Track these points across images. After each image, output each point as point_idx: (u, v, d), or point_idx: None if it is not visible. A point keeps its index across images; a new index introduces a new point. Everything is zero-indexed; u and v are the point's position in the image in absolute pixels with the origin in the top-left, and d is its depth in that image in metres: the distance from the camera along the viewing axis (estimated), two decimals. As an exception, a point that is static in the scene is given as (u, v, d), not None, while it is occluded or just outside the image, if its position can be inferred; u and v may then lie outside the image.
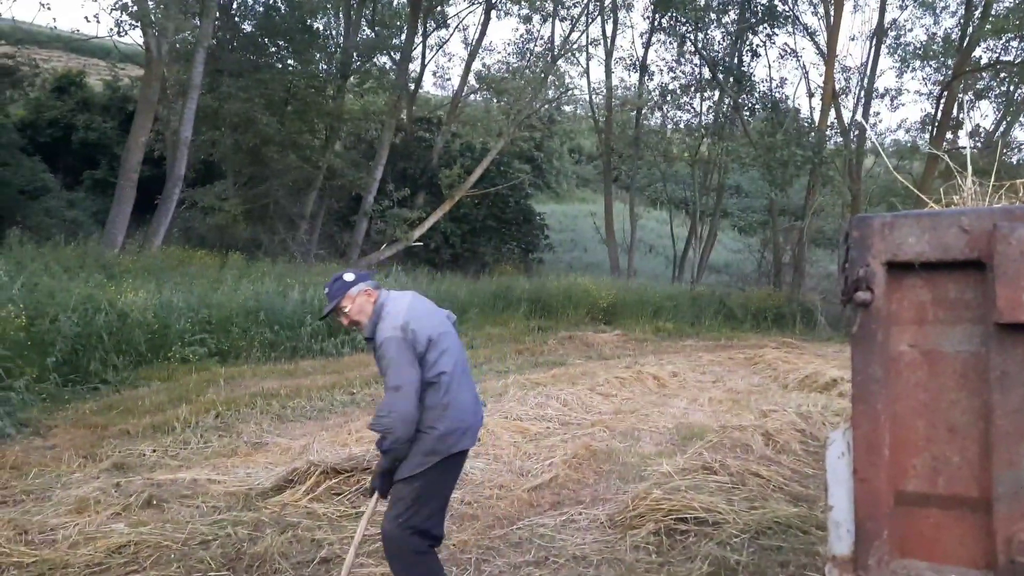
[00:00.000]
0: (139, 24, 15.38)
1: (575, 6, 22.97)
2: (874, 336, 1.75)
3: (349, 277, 3.41)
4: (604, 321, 16.25)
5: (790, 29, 22.81)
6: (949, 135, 21.05)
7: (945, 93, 20.55)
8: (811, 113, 23.11)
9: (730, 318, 18.07)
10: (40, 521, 4.43)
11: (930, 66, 21.89)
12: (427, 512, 3.23)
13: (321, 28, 22.30)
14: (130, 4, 16.12)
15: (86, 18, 59.03)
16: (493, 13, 22.46)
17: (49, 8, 54.44)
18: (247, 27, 20.77)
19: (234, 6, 20.58)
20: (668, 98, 24.48)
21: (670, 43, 24.31)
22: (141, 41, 15.99)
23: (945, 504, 1.74)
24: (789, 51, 23.46)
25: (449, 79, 32.10)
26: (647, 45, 24.52)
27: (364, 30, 21.96)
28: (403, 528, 3.20)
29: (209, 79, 17.60)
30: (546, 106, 22.46)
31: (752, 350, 13.28)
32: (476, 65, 23.15)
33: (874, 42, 21.91)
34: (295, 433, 6.94)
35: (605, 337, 14.27)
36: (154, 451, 6.01)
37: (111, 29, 17.40)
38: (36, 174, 18.75)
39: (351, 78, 21.64)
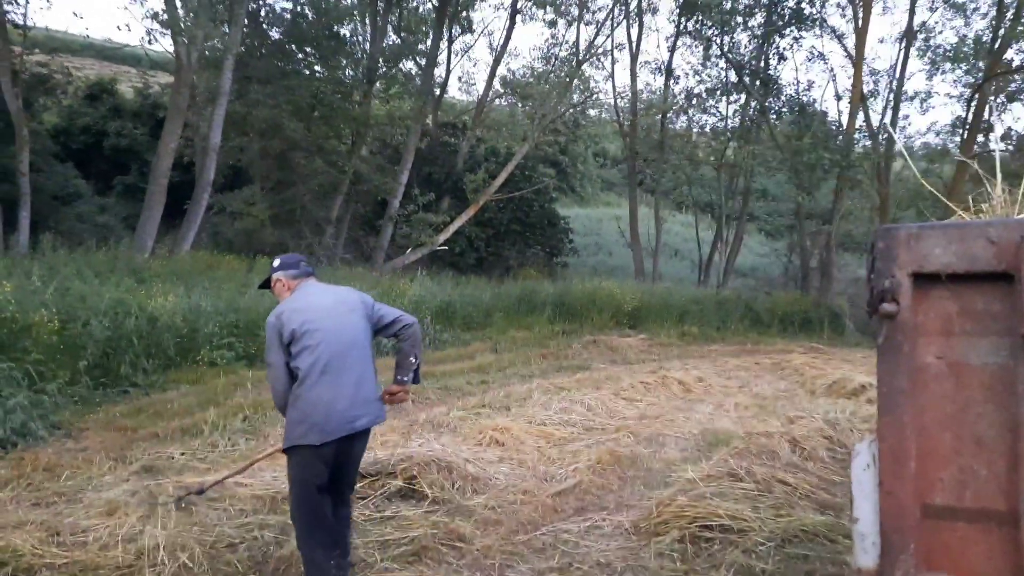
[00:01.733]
0: (169, 32, 15.60)
1: (600, 11, 22.99)
2: (900, 347, 1.74)
3: (275, 263, 3.84)
4: (629, 325, 16.18)
5: (817, 32, 22.62)
6: (980, 138, 20.74)
7: (976, 96, 20.26)
8: (839, 116, 22.94)
9: (756, 323, 17.93)
10: (72, 523, 4.51)
11: (961, 68, 21.57)
12: (315, 497, 3.52)
13: (348, 35, 22.47)
14: (161, 13, 16.41)
15: (118, 27, 59.65)
16: (518, 18, 22.52)
17: (82, 17, 55.43)
18: (275, 34, 20.99)
19: (262, 14, 20.79)
20: (694, 102, 24.38)
21: (696, 47, 24.25)
22: (171, 49, 16.22)
23: (972, 517, 1.73)
24: (816, 54, 23.44)
25: (474, 84, 32.34)
26: (672, 49, 24.46)
27: (390, 36, 22.10)
28: (294, 498, 3.55)
29: (237, 86, 17.81)
30: (571, 110, 22.43)
31: (779, 355, 13.18)
32: (501, 70, 23.27)
33: (903, 44, 21.68)
34: (321, 437, 6.99)
35: (630, 341, 14.22)
36: (183, 454, 6.08)
37: (142, 37, 17.81)
38: (69, 180, 19.08)
39: (377, 84, 21.79)
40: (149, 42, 17.16)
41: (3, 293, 7.45)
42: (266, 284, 3.93)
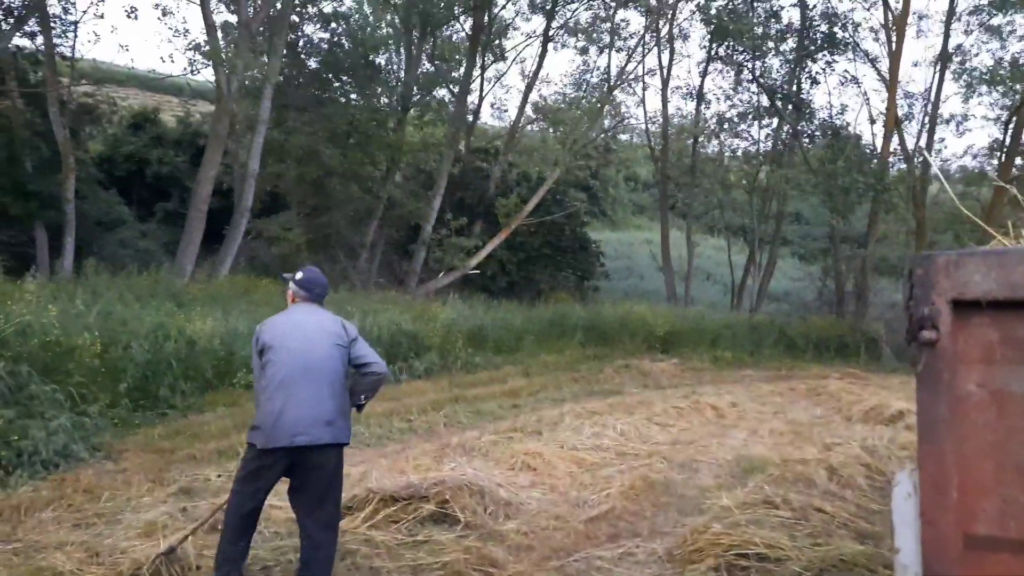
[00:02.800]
0: (211, 63, 16.01)
1: (632, 37, 23.13)
2: (940, 375, 1.73)
3: (298, 276, 4.23)
4: (661, 350, 16.07)
5: (850, 56, 22.50)
6: (1018, 161, 20.41)
7: (1013, 118, 19.97)
8: (873, 140, 22.72)
9: (791, 348, 17.70)
10: (111, 544, 4.57)
11: (997, 91, 21.30)
12: (250, 489, 3.81)
13: (383, 63, 22.89)
14: (203, 44, 16.87)
15: (162, 58, 61.80)
16: (550, 45, 22.77)
17: (128, 49, 57.16)
18: (312, 64, 21.44)
19: (300, 44, 21.27)
20: (725, 126, 24.34)
21: (727, 72, 24.26)
22: (213, 79, 16.64)
23: (1016, 548, 1.70)
24: (850, 78, 23.14)
25: (506, 110, 32.49)
26: (704, 74, 24.49)
27: (424, 64, 22.43)
28: (231, 507, 3.85)
29: (276, 114, 18.19)
30: (602, 135, 22.53)
31: (814, 381, 12.99)
32: (533, 96, 23.52)
33: (938, 67, 21.48)
34: (354, 460, 7.02)
35: (662, 366, 14.12)
36: (219, 476, 6.14)
37: (185, 68, 18.19)
38: (112, 206, 19.55)
39: (411, 111, 22.10)
40: (191, 73, 17.68)
41: (48, 317, 7.61)
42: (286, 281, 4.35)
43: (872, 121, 23.04)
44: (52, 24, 16.42)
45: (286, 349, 3.82)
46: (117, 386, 7.88)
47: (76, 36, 16.84)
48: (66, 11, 17.05)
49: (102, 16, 31.36)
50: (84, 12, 26.86)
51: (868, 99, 26.36)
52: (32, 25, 16.42)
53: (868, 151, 21.68)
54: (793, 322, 19.68)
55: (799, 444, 7.84)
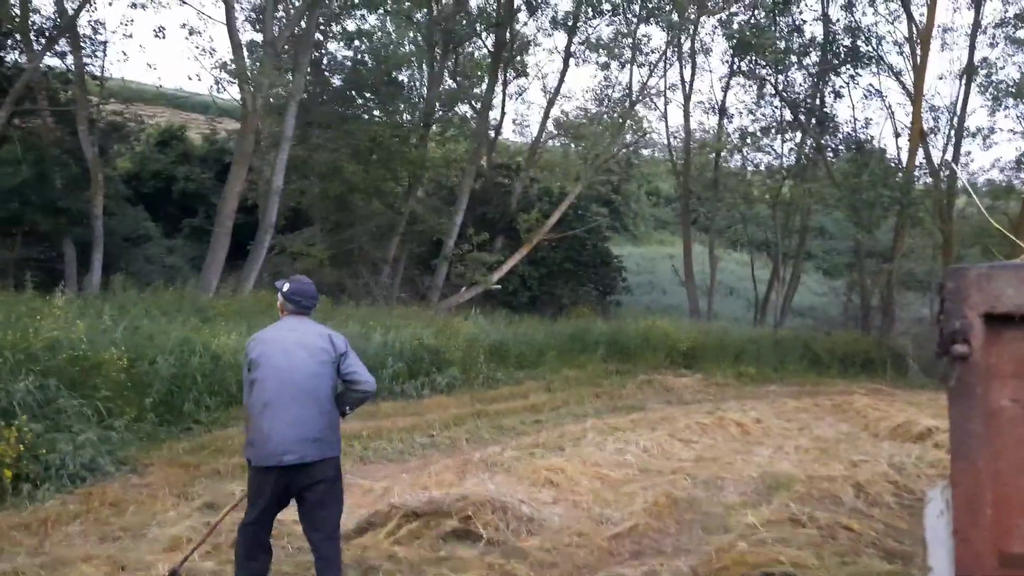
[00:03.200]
0: (236, 81, 16.23)
1: (653, 52, 23.13)
2: (973, 390, 1.70)
3: (286, 287, 4.15)
4: (684, 365, 15.97)
5: (874, 69, 22.35)
6: (1047, 174, 20.15)
7: (1042, 131, 19.73)
8: (898, 153, 22.52)
9: (816, 363, 17.52)
10: (136, 558, 4.61)
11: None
12: (252, 513, 3.87)
13: (405, 80, 23.09)
14: (229, 63, 17.12)
15: (188, 77, 62.97)
16: (572, 61, 22.80)
17: (156, 68, 58.26)
18: (336, 81, 21.69)
19: (324, 62, 21.52)
20: (748, 140, 24.24)
21: (749, 86, 24.16)
22: (238, 97, 16.87)
23: (1053, 567, 1.66)
24: (874, 91, 22.94)
25: (528, 126, 32.63)
26: (726, 88, 24.42)
27: (446, 81, 22.58)
28: (242, 524, 3.91)
29: (300, 131, 18.37)
30: (624, 150, 22.51)
31: (840, 397, 12.85)
32: (555, 112, 23.50)
33: (964, 80, 21.28)
34: (376, 475, 7.04)
35: (685, 381, 14.04)
36: (243, 490, 6.14)
37: (211, 86, 18.49)
38: (139, 223, 19.80)
39: (433, 127, 22.25)
40: (217, 91, 17.92)
41: (76, 332, 7.71)
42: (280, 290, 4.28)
43: (897, 135, 22.79)
44: (82, 44, 16.73)
45: (272, 367, 3.86)
46: (143, 400, 7.96)
47: (105, 55, 17.15)
48: (96, 31, 17.37)
49: (131, 36, 32.12)
50: (114, 32, 27.39)
51: (892, 112, 26.02)
52: (63, 45, 16.73)
53: (893, 165, 21.49)
54: (818, 337, 19.49)
55: (825, 461, 7.75)
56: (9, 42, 17.41)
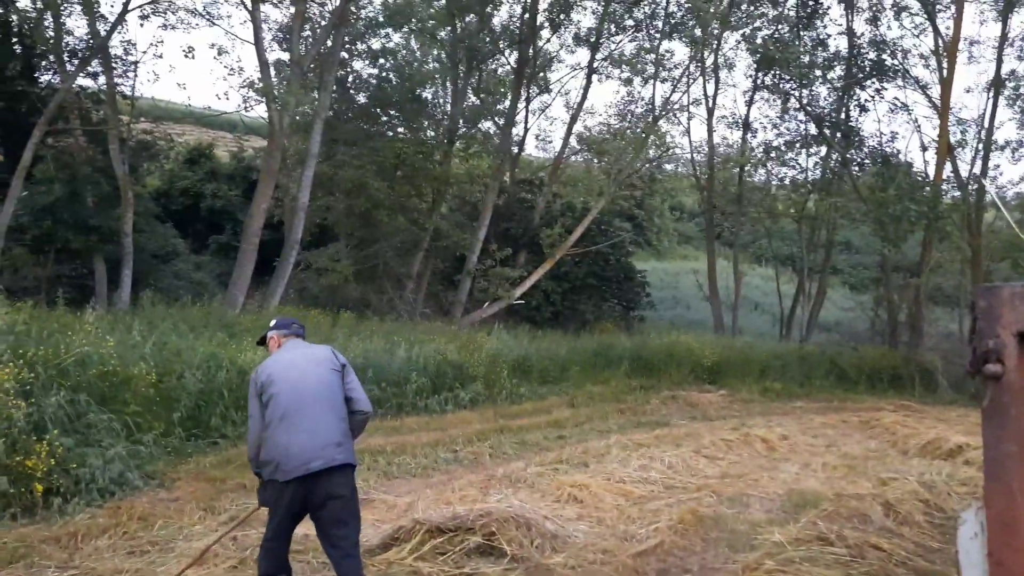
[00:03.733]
0: (264, 99, 16.46)
1: (676, 68, 23.15)
2: (1007, 410, 1.68)
3: (272, 323, 4.37)
4: (708, 381, 15.85)
5: (900, 83, 22.17)
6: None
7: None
8: (925, 167, 22.28)
9: (842, 379, 17.32)
10: (164, 572, 4.66)
11: (1053, 117, 20.79)
12: (271, 529, 3.90)
13: (429, 97, 23.31)
14: (256, 82, 17.35)
15: (217, 96, 63.90)
16: (595, 77, 22.89)
17: (185, 87, 59.26)
18: (361, 99, 21.95)
19: (349, 80, 21.78)
20: (772, 154, 24.12)
21: (773, 100, 24.07)
22: (265, 115, 17.10)
23: (1091, 590, 1.63)
24: (899, 105, 22.76)
25: (551, 141, 32.61)
26: (750, 103, 24.35)
27: (470, 98, 22.75)
28: (264, 540, 3.95)
29: (325, 148, 18.60)
30: (647, 165, 22.50)
31: (867, 413, 12.68)
32: (577, 127, 23.58)
33: (991, 94, 21.05)
34: (400, 490, 7.05)
35: (710, 397, 13.93)
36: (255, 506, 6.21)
37: (239, 105, 18.78)
38: (168, 239, 20.07)
39: (457, 143, 22.40)
40: (245, 109, 18.19)
41: (106, 347, 7.81)
42: (263, 341, 4.42)
43: (924, 148, 22.57)
44: (114, 65, 17.08)
45: (284, 381, 3.92)
46: (171, 415, 8.03)
47: (136, 75, 17.48)
48: (127, 52, 17.74)
49: (161, 56, 32.68)
50: (144, 52, 27.83)
51: (919, 126, 25.87)
52: (95, 66, 17.09)
53: (920, 179, 21.27)
54: (845, 353, 19.26)
55: (853, 478, 7.64)
56: (43, 63, 17.83)
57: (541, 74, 23.51)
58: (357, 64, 22.32)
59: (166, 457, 7.51)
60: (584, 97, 23.21)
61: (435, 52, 23.65)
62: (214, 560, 4.81)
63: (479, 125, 22.99)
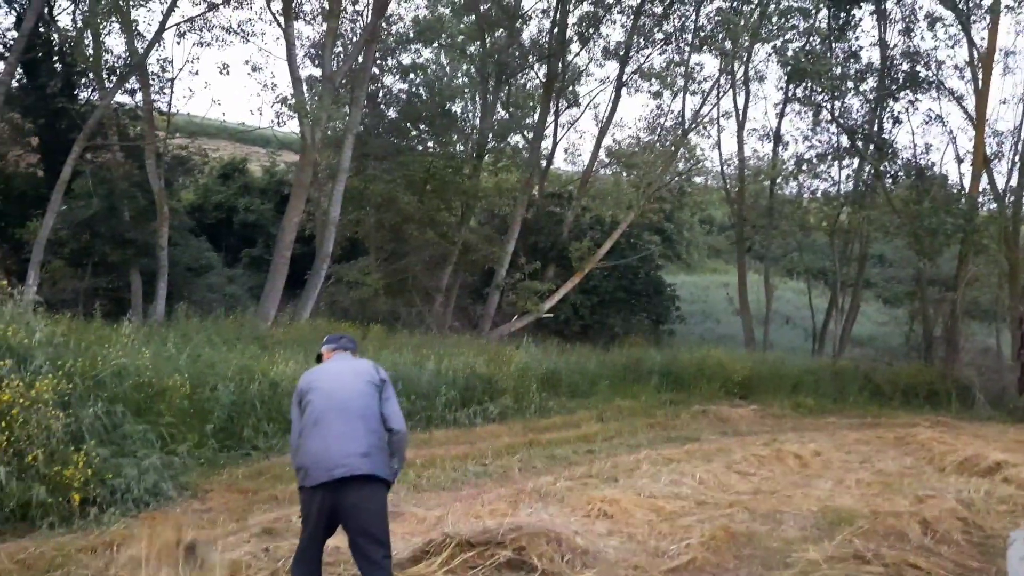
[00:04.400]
0: (296, 115, 16.69)
1: (706, 80, 23.09)
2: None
3: (324, 339, 4.52)
4: (739, 395, 15.70)
5: (934, 95, 21.91)
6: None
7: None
8: (960, 179, 22.00)
9: (877, 394, 17.06)
10: (197, 582, 4.70)
11: (1091, 127, 20.37)
12: (303, 538, 3.98)
13: (459, 112, 23.50)
14: (289, 98, 17.60)
15: (251, 111, 64.84)
16: (624, 91, 22.90)
17: (220, 103, 60.31)
18: (391, 114, 22.18)
19: (380, 95, 22.03)
20: (804, 167, 23.92)
21: (805, 112, 23.88)
22: (297, 130, 17.34)
23: None
24: (934, 116, 22.47)
25: (580, 155, 32.77)
26: (781, 115, 24.19)
27: (499, 112, 22.87)
28: (297, 549, 4.06)
29: (356, 163, 18.79)
30: (676, 178, 22.43)
31: (903, 429, 12.47)
32: (606, 140, 23.60)
33: (1029, 104, 20.70)
34: (430, 503, 7.05)
35: (741, 412, 13.78)
36: (299, 518, 6.24)
37: (272, 120, 19.12)
38: (202, 253, 20.37)
39: (486, 157, 22.54)
40: (278, 124, 18.46)
41: (142, 359, 7.95)
42: (319, 358, 4.49)
43: (959, 160, 22.23)
44: (151, 81, 17.42)
45: (320, 391, 4.02)
46: (204, 427, 8.14)
47: (172, 92, 17.81)
48: (164, 69, 18.07)
49: (197, 73, 33.32)
50: (180, 69, 28.38)
51: (954, 138, 25.49)
52: (133, 83, 17.44)
53: (955, 191, 20.96)
54: (879, 368, 18.98)
55: (889, 496, 7.51)
56: (83, 81, 18.26)
57: (570, 88, 23.59)
58: (388, 79, 22.61)
59: (199, 468, 7.60)
60: (613, 110, 23.18)
61: (465, 67, 23.84)
62: (246, 571, 4.85)
63: (508, 139, 23.13)
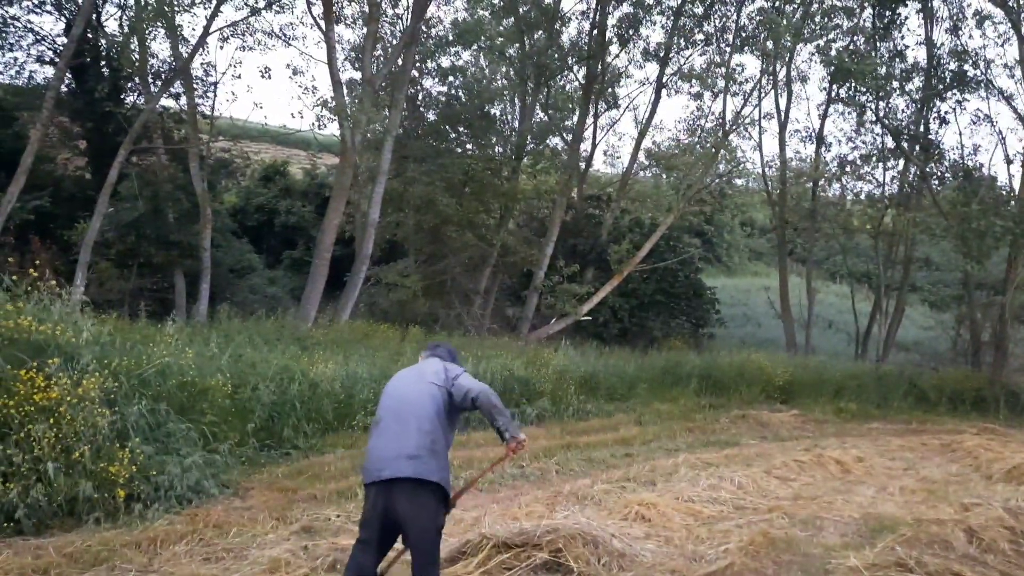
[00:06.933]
0: (337, 118, 16.88)
1: (748, 81, 22.83)
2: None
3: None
4: (780, 400, 15.49)
5: (983, 94, 21.37)
6: None
7: None
8: (1010, 180, 21.43)
9: (922, 400, 16.68)
10: (238, 579, 4.78)
11: None
12: (361, 532, 4.04)
13: (498, 114, 23.53)
14: (329, 101, 17.82)
15: (292, 115, 65.98)
16: (663, 92, 22.74)
17: (262, 107, 61.31)
18: (431, 116, 22.32)
19: (419, 98, 22.18)
20: (847, 169, 23.51)
21: (848, 113, 23.48)
22: (338, 133, 17.53)
23: None
24: (982, 117, 21.92)
25: (619, 157, 32.57)
26: (824, 116, 23.86)
27: (538, 114, 22.88)
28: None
29: (396, 165, 18.94)
30: (717, 180, 22.21)
31: (948, 436, 12.19)
32: (646, 142, 23.42)
33: (1082, 102, 20.10)
34: (467, 504, 7.06)
35: (781, 417, 13.59)
36: (338, 516, 6.31)
37: (312, 123, 19.37)
38: (244, 255, 20.71)
39: (525, 159, 22.54)
40: (319, 127, 18.66)
41: (185, 359, 8.10)
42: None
43: (1009, 161, 21.64)
44: (195, 85, 17.77)
45: (387, 393, 4.19)
46: (245, 426, 8.26)
47: (215, 96, 18.15)
48: (207, 73, 18.45)
49: (239, 76, 33.95)
50: (223, 73, 28.93)
51: (1004, 138, 24.77)
52: (177, 87, 17.81)
53: (1004, 192, 20.42)
54: (924, 373, 18.58)
55: (933, 503, 7.35)
56: (129, 85, 18.69)
57: (609, 90, 23.49)
58: (427, 82, 22.74)
59: (240, 467, 7.71)
60: (653, 112, 23.05)
61: (504, 69, 23.87)
62: (286, 568, 4.92)
63: (547, 141, 23.11)
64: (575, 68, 22.97)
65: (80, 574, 4.74)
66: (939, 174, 22.08)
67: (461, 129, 22.08)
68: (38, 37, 18.47)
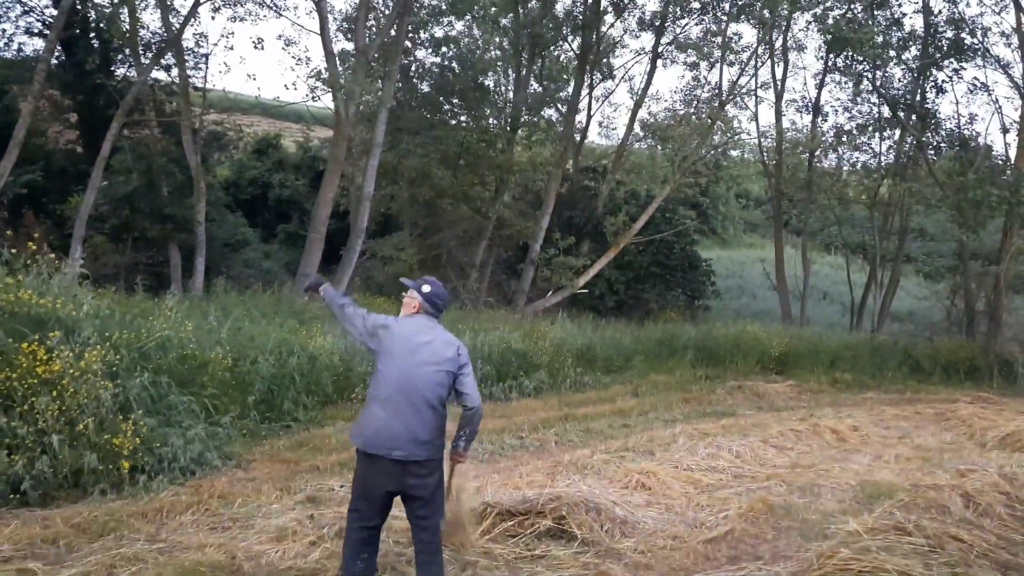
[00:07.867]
0: (330, 90, 16.73)
1: (744, 51, 22.63)
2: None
3: (424, 288, 4.35)
4: (775, 371, 15.58)
5: (979, 63, 21.25)
6: None
7: None
8: (1006, 150, 21.33)
9: (916, 370, 16.80)
10: (246, 547, 4.83)
11: None
12: (353, 500, 4.10)
13: (492, 85, 23.32)
14: (323, 72, 17.65)
15: (285, 86, 65.43)
16: (659, 62, 22.56)
17: (255, 79, 60.78)
18: (424, 87, 22.13)
19: (412, 69, 21.97)
20: (843, 139, 23.45)
21: (845, 83, 23.35)
22: (331, 105, 17.39)
23: None
24: (979, 85, 21.81)
25: (615, 128, 32.15)
26: (820, 86, 23.68)
27: (532, 85, 22.71)
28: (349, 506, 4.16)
29: (390, 137, 18.80)
30: (712, 152, 22.13)
31: (942, 405, 12.30)
32: (641, 113, 23.23)
33: (1078, 72, 20.01)
34: (468, 475, 7.13)
35: (777, 387, 13.70)
36: (342, 487, 6.35)
37: (306, 95, 19.07)
38: (238, 228, 20.62)
39: (520, 131, 22.41)
40: (312, 99, 18.48)
41: (185, 332, 8.10)
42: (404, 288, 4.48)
43: (1005, 131, 21.53)
44: (186, 57, 17.55)
45: (396, 365, 4.03)
46: (246, 398, 8.30)
47: (207, 67, 17.99)
48: (199, 44, 18.24)
49: (231, 48, 33.66)
50: (215, 45, 28.61)
51: (1000, 107, 24.51)
52: (168, 58, 17.57)
53: (1001, 162, 20.40)
54: (919, 343, 18.69)
55: (929, 470, 7.44)
56: (119, 57, 18.47)
57: (604, 60, 23.30)
58: (420, 53, 22.48)
59: (242, 439, 7.77)
60: (648, 82, 22.82)
61: (497, 40, 23.62)
62: (293, 536, 4.97)
63: (542, 112, 22.95)
64: (570, 38, 22.75)
65: (89, 543, 4.78)
66: (935, 144, 22.04)
67: (455, 101, 21.90)
68: (27, 8, 18.26)
